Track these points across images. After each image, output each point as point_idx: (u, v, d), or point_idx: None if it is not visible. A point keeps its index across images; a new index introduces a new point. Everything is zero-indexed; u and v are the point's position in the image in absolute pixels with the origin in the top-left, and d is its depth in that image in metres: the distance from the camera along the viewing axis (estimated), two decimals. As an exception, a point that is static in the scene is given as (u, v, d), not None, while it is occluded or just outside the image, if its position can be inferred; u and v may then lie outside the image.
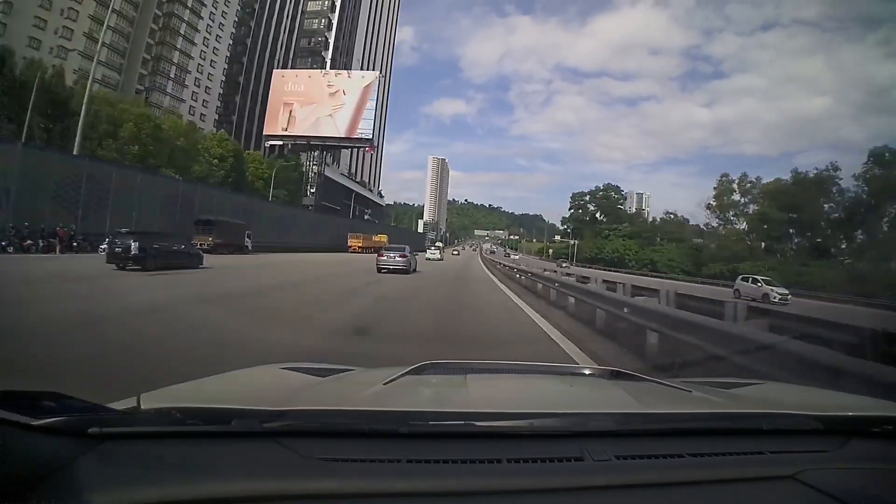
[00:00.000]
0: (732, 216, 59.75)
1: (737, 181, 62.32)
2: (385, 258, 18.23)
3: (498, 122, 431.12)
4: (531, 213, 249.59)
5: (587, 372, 1.96)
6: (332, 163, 76.75)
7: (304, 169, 60.16)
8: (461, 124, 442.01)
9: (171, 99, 58.76)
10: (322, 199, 62.28)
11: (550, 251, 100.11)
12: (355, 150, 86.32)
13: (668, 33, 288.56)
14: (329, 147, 60.73)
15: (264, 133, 60.97)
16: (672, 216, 75.21)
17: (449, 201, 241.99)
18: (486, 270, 27.53)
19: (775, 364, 2.85)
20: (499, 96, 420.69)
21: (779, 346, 2.98)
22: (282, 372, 1.58)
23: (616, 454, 0.99)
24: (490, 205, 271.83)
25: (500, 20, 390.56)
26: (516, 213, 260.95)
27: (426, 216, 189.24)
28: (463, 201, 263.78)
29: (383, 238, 51.80)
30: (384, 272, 17.32)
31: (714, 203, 61.83)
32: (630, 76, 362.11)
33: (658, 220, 77.57)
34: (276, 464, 0.91)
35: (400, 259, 18.22)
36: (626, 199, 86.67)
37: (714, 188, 62.58)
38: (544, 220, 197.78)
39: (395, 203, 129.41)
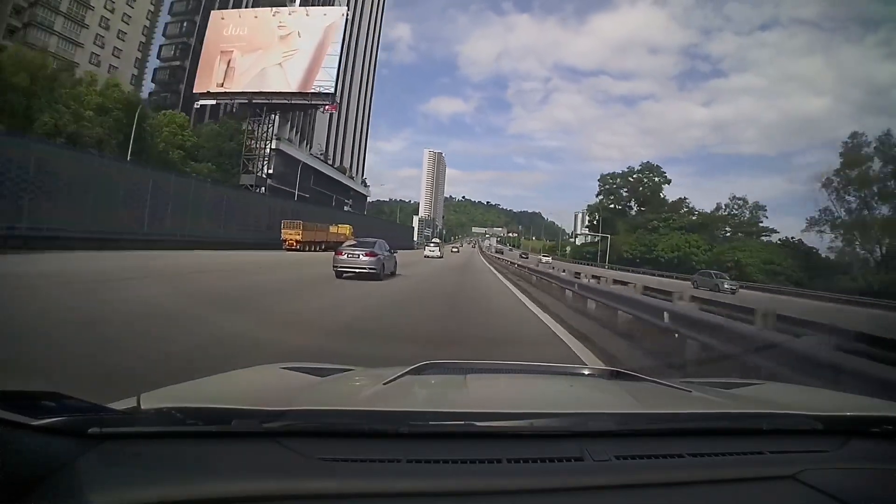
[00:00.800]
0: (871, 196, 39.90)
1: (875, 143, 41.80)
2: (345, 258, 14.41)
3: (496, 120, 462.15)
4: (530, 211, 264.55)
5: (587, 372, 2.01)
6: (304, 143, 65.88)
7: (244, 138, 42.08)
8: (459, 123, 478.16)
9: (61, 40, 40.54)
10: (280, 182, 52.34)
11: (568, 249, 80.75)
12: (335, 132, 69.04)
13: (667, 32, 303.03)
14: (277, 107, 43.65)
15: (194, 91, 43.24)
16: (740, 201, 56.26)
17: (446, 198, 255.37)
18: (512, 288, 16.10)
19: None
20: (496, 94, 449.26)
21: None
22: (282, 372, 1.63)
23: (616, 454, 1.06)
24: (488, 202, 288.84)
25: (498, 18, 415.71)
26: (514, 211, 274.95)
27: (422, 212, 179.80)
28: (460, 198, 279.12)
29: (345, 230, 40.78)
30: (347, 276, 13.88)
31: (835, 180, 42.09)
32: (628, 75, 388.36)
33: (724, 205, 58.51)
34: (276, 464, 0.96)
35: (366, 259, 14.23)
36: (669, 182, 67.91)
37: (840, 154, 43.00)
38: (543, 218, 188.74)
39: (390, 200, 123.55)
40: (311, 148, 66.51)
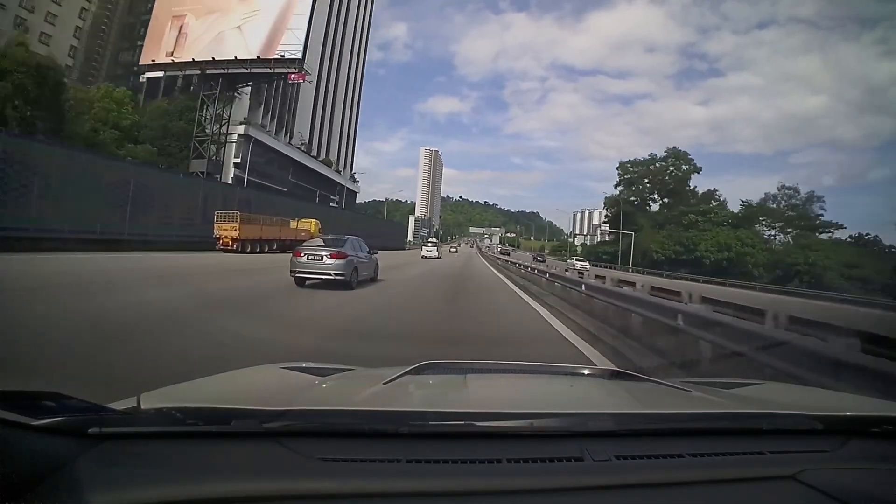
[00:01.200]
0: None
1: None
2: (304, 259, 12.21)
3: (493, 120, 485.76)
4: (527, 211, 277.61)
5: (587, 372, 1.99)
6: (283, 132, 57.48)
7: (196, 116, 34.25)
8: (456, 122, 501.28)
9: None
10: (250, 173, 45.59)
11: (579, 249, 72.50)
12: (320, 122, 62.74)
13: (664, 31, 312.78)
14: (239, 79, 36.05)
15: (140, 62, 35.74)
16: (790, 191, 48.04)
17: (443, 198, 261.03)
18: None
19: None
20: (493, 94, 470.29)
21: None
22: (282, 372, 1.63)
23: (616, 454, 1.09)
24: (485, 202, 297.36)
25: (495, 17, 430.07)
26: (512, 211, 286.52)
27: (418, 211, 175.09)
28: (457, 198, 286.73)
29: (309, 225, 33.22)
30: (310, 283, 12.19)
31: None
32: (625, 74, 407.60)
33: (772, 196, 50.69)
34: (276, 464, 0.99)
35: (331, 261, 12.04)
36: (699, 170, 59.74)
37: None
38: (541, 218, 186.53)
39: (386, 199, 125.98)
40: (290, 138, 59.01)
